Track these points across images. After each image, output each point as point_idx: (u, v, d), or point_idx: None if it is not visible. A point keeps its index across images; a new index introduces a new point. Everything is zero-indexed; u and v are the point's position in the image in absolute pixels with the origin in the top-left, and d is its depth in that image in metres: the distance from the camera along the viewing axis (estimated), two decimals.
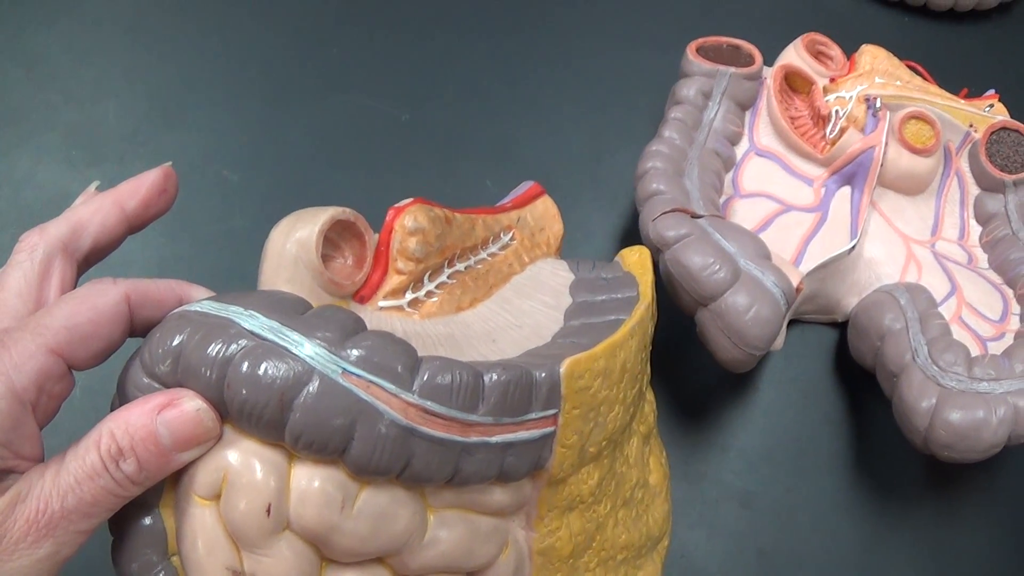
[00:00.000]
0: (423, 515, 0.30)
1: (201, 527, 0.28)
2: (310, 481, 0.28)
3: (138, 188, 0.33)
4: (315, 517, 0.28)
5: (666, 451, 0.45)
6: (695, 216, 0.46)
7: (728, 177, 0.53)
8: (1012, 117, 0.57)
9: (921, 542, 0.52)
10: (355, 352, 0.27)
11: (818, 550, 0.51)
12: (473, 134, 0.60)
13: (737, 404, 0.54)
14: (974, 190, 0.56)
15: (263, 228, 0.56)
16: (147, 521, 0.29)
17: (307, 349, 0.27)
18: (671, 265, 0.44)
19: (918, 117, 0.54)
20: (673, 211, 0.45)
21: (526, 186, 0.44)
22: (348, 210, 0.33)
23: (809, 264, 0.50)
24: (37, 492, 0.27)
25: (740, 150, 0.54)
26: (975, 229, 0.56)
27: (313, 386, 0.27)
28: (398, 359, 0.28)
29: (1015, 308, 0.51)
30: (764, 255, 0.45)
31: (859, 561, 0.51)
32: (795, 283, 0.44)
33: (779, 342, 0.47)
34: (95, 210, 0.32)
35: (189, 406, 0.27)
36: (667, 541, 0.44)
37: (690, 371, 0.54)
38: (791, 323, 0.54)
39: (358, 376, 0.27)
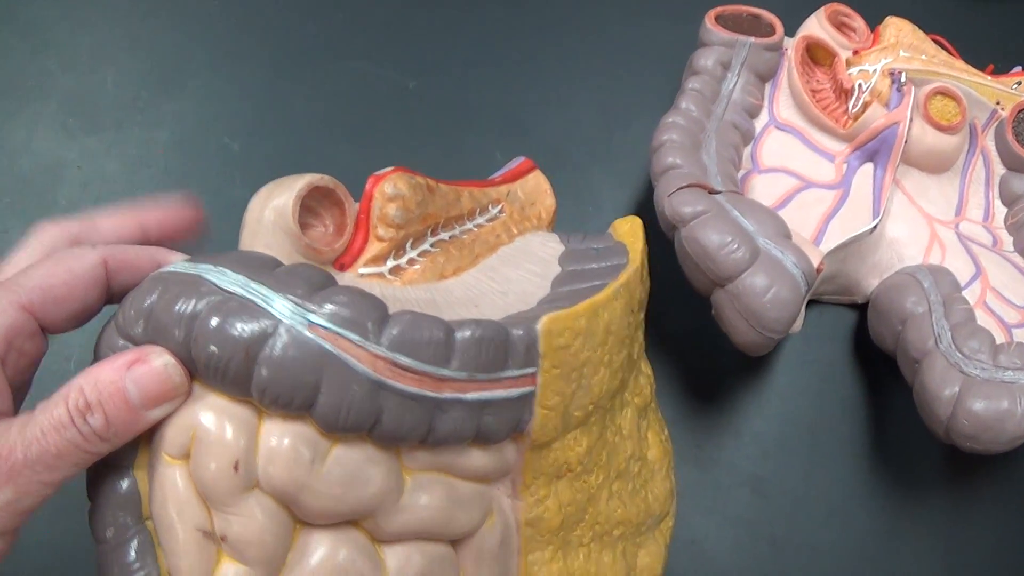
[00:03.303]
0: (398, 476, 0.29)
1: (171, 487, 0.28)
2: (279, 438, 0.27)
3: (164, 220, 0.33)
4: (284, 475, 0.27)
5: (668, 429, 0.44)
6: (712, 192, 0.44)
7: (747, 151, 0.51)
8: None
9: (939, 533, 0.51)
10: (323, 306, 0.27)
11: (832, 539, 0.50)
12: (482, 103, 0.59)
13: (751, 387, 0.53)
14: (1000, 169, 0.55)
15: None
16: (122, 484, 0.29)
17: (275, 303, 0.27)
18: (687, 243, 0.43)
19: (944, 93, 0.53)
20: (690, 186, 0.44)
21: (517, 161, 0.43)
22: (327, 177, 0.33)
23: (829, 243, 0.49)
24: (3, 441, 0.26)
25: (759, 123, 0.53)
26: (1000, 210, 0.54)
27: (279, 339, 0.27)
28: (367, 313, 0.28)
29: None
30: (784, 234, 0.44)
31: (875, 551, 0.50)
32: (815, 263, 0.43)
33: (797, 324, 0.46)
34: (115, 221, 0.32)
35: (157, 362, 0.27)
36: (671, 521, 0.43)
37: (703, 352, 0.53)
38: (809, 304, 0.53)
39: (325, 329, 0.27)
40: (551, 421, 0.32)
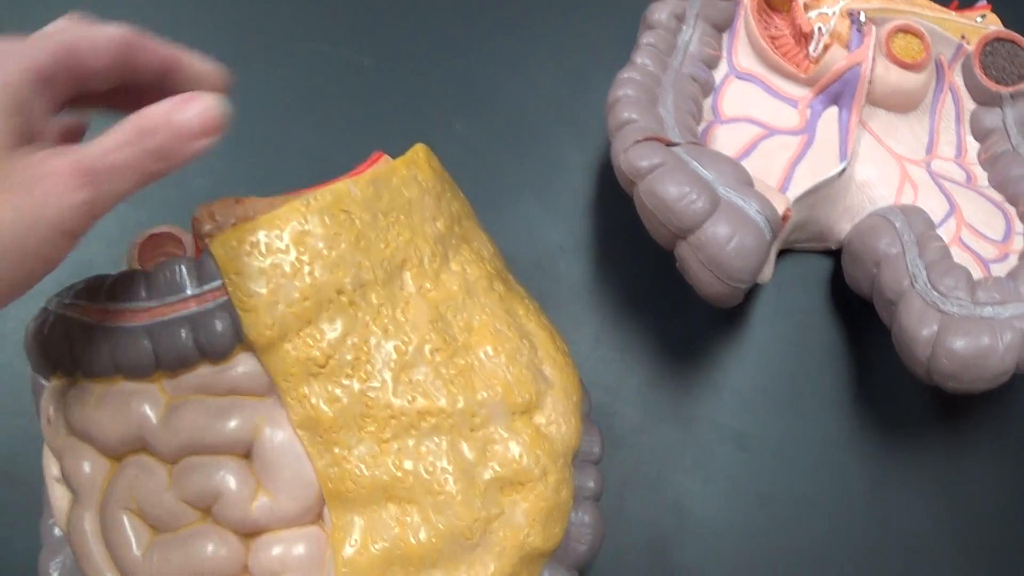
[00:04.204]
0: (156, 402, 0.37)
1: (44, 454, 0.39)
2: (72, 392, 0.38)
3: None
4: (73, 417, 0.37)
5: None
6: (670, 144, 0.44)
7: (707, 103, 0.50)
8: (1005, 27, 0.55)
9: (929, 478, 0.51)
10: (72, 290, 0.38)
11: (821, 491, 0.50)
12: (439, 75, 0.58)
13: (728, 340, 0.53)
14: (969, 105, 0.54)
15: (224, 187, 0.54)
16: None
17: (52, 303, 0.38)
18: (645, 197, 0.42)
19: (906, 30, 0.52)
20: (646, 140, 0.43)
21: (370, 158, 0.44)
22: (165, 225, 0.42)
23: (797, 190, 0.48)
24: (84, 151, 0.30)
25: (719, 74, 0.52)
26: (972, 146, 0.54)
27: (47, 322, 0.38)
28: (98, 284, 0.37)
29: (1018, 227, 0.50)
30: (746, 181, 0.43)
31: (865, 501, 0.50)
32: (781, 210, 0.43)
33: (767, 273, 0.45)
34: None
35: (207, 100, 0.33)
36: (543, 416, 0.41)
37: (675, 308, 0.53)
38: (782, 253, 0.53)
39: (70, 304, 0.37)
40: (260, 320, 0.36)
